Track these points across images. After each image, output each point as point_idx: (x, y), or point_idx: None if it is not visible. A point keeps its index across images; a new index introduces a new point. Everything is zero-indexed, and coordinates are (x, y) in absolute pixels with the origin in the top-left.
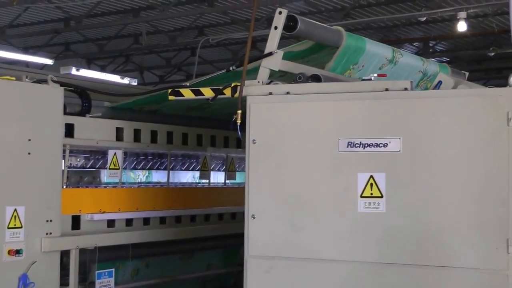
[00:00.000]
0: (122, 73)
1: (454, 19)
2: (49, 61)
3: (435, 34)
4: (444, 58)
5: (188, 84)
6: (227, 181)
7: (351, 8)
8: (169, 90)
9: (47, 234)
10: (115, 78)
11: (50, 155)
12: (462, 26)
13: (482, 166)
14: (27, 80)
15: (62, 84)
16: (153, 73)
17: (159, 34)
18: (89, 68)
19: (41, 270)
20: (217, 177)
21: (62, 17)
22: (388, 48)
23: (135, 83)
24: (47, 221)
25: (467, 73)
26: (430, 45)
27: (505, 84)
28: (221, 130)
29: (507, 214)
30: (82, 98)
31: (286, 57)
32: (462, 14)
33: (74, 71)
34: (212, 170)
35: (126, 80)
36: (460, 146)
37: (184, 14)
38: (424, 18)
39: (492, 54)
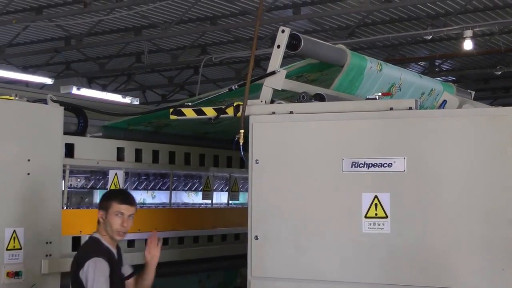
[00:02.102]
0: (123, 92)
1: (460, 38)
2: (49, 81)
3: (441, 52)
4: (450, 77)
5: (190, 104)
6: (230, 202)
7: (356, 26)
8: (171, 110)
9: (46, 256)
10: (116, 97)
11: (50, 175)
12: (468, 45)
13: (487, 186)
14: (25, 99)
15: (61, 103)
16: (155, 92)
17: (161, 52)
18: (90, 87)
19: None
20: (220, 198)
21: (62, 35)
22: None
23: (137, 102)
24: (47, 242)
25: (473, 92)
26: (436, 63)
27: (511, 103)
28: (224, 150)
29: None
30: (78, 117)
31: (289, 75)
32: (468, 33)
33: (74, 90)
34: (215, 190)
35: (127, 100)
36: (465, 166)
37: (186, 33)
38: (430, 37)
39: (499, 73)
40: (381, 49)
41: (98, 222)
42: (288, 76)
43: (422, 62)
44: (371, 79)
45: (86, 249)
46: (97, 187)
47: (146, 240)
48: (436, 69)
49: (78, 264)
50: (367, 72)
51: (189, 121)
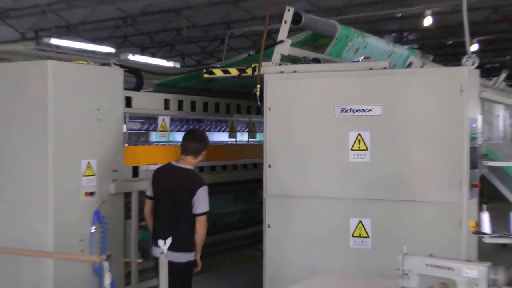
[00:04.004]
0: (168, 58)
1: (422, 16)
2: (112, 50)
3: (408, 27)
4: (414, 46)
5: (218, 65)
6: (250, 140)
7: (343, 6)
8: (204, 70)
9: (113, 180)
10: (163, 62)
11: (114, 120)
12: (428, 21)
13: (442, 125)
14: (95, 63)
15: (121, 66)
16: (192, 58)
17: (196, 28)
18: (142, 54)
19: (110, 207)
20: (242, 137)
21: (121, 15)
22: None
23: (178, 66)
24: (113, 170)
25: (431, 57)
26: (404, 35)
27: (459, 65)
28: (245, 101)
29: (461, 162)
30: (136, 77)
31: (294, 45)
32: (428, 12)
33: (131, 56)
34: (238, 131)
35: (171, 63)
36: (426, 110)
37: (214, 12)
38: (400, 15)
39: (451, 42)
40: (362, 24)
41: (195, 157)
42: (294, 45)
43: (394, 34)
44: (355, 46)
45: (196, 178)
46: (150, 129)
47: None
48: (404, 40)
49: (191, 189)
50: (353, 41)
51: (223, 79)
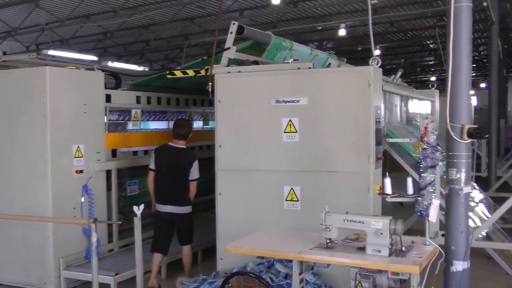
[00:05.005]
0: (139, 64)
1: (337, 28)
2: (95, 58)
3: (327, 37)
4: (332, 52)
5: (178, 68)
6: (204, 126)
7: (276, 21)
8: (167, 72)
9: (97, 160)
10: (135, 67)
11: (97, 113)
12: (342, 32)
13: (355, 112)
14: (82, 68)
15: (103, 70)
16: (158, 64)
17: (161, 39)
18: (119, 61)
19: (95, 181)
20: (198, 124)
21: (102, 31)
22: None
23: (147, 69)
24: (97, 152)
25: (345, 59)
26: (324, 44)
27: (367, 65)
28: (200, 96)
29: (368, 140)
30: (115, 79)
31: (238, 51)
32: (342, 25)
33: (110, 63)
34: (195, 120)
35: (141, 68)
36: (342, 100)
37: (175, 27)
38: (320, 27)
39: (360, 48)
40: (291, 35)
41: (185, 139)
42: (238, 51)
43: (316, 43)
44: (283, 56)
45: (191, 155)
46: (125, 120)
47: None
48: (324, 47)
49: (189, 162)
50: (284, 46)
51: (187, 79)
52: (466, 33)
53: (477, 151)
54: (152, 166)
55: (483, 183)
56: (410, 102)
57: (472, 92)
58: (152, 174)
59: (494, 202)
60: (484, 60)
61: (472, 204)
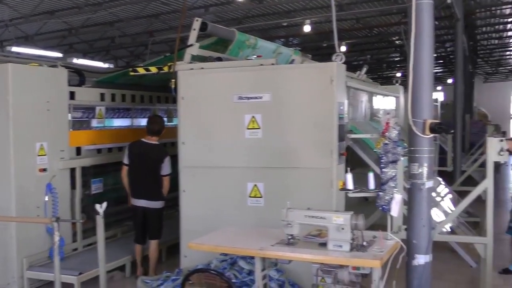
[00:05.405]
0: (104, 61)
1: (303, 24)
2: (60, 55)
3: (293, 33)
4: (298, 48)
5: (141, 64)
6: (168, 123)
7: (242, 17)
8: (130, 69)
9: (61, 158)
10: (100, 64)
11: (61, 110)
12: (307, 28)
13: (318, 108)
14: (45, 65)
15: (66, 67)
16: (123, 60)
17: (126, 36)
18: (84, 58)
19: (59, 180)
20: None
21: (67, 27)
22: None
23: (112, 66)
24: (61, 150)
25: (310, 56)
26: (290, 40)
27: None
28: (164, 93)
29: (331, 136)
30: (79, 76)
31: (204, 47)
32: (308, 21)
33: (75, 60)
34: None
35: (106, 65)
36: (305, 96)
37: (140, 24)
38: (285, 24)
39: (325, 45)
40: (257, 31)
41: (158, 135)
42: (202, 47)
43: (282, 39)
44: (250, 48)
45: (163, 151)
46: (90, 117)
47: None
48: (290, 43)
49: (161, 158)
50: (247, 44)
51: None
52: (428, 29)
53: (443, 146)
54: (125, 161)
55: (449, 178)
56: (375, 98)
57: (439, 88)
58: (125, 168)
59: (458, 196)
60: (451, 56)
61: (438, 199)
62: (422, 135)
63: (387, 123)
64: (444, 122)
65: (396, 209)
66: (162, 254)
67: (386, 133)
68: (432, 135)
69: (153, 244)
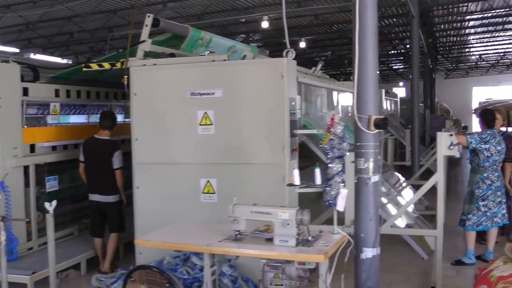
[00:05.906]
0: (64, 56)
1: (261, 20)
2: (17, 50)
3: (252, 29)
4: (259, 44)
5: (95, 61)
6: (125, 120)
7: (201, 13)
8: (83, 65)
9: (14, 156)
10: (58, 59)
11: (13, 107)
12: (265, 24)
13: (269, 103)
14: None
15: (19, 63)
16: (83, 56)
17: (85, 32)
18: (43, 53)
19: (12, 178)
20: (119, 118)
21: (24, 22)
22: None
23: (70, 62)
24: (14, 148)
25: (267, 51)
26: (250, 36)
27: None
28: (121, 89)
29: (283, 131)
30: (33, 72)
31: (155, 43)
32: (265, 17)
33: (32, 55)
34: (116, 113)
35: (65, 61)
36: (256, 92)
37: (98, 19)
38: (244, 20)
39: (284, 41)
40: (217, 27)
41: (110, 130)
42: (156, 43)
43: (242, 35)
44: (203, 46)
45: (113, 145)
46: (44, 114)
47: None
48: (250, 39)
49: (110, 153)
50: (201, 40)
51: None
52: (371, 26)
53: (402, 140)
54: (81, 158)
55: (408, 172)
56: (333, 94)
57: (401, 84)
58: (82, 165)
59: (415, 190)
60: (410, 53)
61: (395, 193)
62: (367, 131)
63: (332, 119)
64: (404, 118)
65: (342, 203)
66: (120, 251)
67: (332, 129)
68: (377, 130)
69: (111, 237)
